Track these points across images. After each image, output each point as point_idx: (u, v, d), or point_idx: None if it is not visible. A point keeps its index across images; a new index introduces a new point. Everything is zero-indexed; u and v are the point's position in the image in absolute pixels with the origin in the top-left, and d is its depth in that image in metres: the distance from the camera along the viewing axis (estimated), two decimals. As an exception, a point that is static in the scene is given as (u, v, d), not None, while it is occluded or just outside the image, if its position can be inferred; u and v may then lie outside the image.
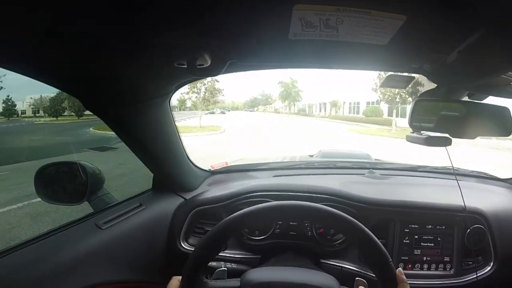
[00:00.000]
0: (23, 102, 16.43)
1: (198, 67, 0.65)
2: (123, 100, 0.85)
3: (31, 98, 16.58)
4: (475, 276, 1.07)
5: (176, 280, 0.71)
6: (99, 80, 0.75)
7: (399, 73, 0.88)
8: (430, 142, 0.85)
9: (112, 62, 0.68)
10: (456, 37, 0.59)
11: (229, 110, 38.73)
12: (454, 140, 0.86)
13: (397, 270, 0.68)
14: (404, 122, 14.45)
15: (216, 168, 1.57)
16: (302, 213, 0.78)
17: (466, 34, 0.57)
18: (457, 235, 1.10)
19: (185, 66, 0.66)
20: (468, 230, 1.09)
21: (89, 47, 0.60)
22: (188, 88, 16.40)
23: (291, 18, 0.52)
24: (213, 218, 1.21)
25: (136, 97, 0.86)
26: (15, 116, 15.59)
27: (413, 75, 0.89)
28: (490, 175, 1.51)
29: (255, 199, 1.19)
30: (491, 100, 0.86)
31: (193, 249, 0.73)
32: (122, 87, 0.80)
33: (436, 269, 1.09)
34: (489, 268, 1.08)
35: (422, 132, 0.87)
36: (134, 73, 0.76)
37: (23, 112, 16.53)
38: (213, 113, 27.81)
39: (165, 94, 0.95)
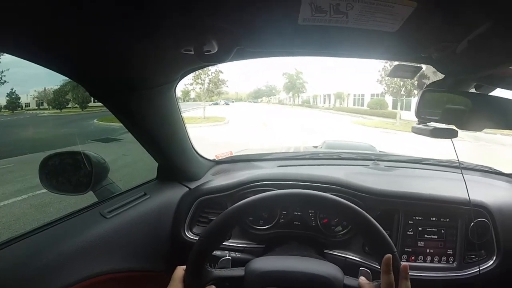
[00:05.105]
0: (27, 95, 16.48)
1: (205, 53, 0.65)
2: (128, 86, 0.84)
3: (35, 90, 16.62)
4: (478, 269, 1.06)
5: (180, 270, 0.72)
6: (103, 65, 0.75)
7: (406, 63, 0.87)
8: (436, 133, 0.84)
9: (118, 47, 0.67)
10: (466, 26, 0.58)
11: (233, 101, 38.71)
12: (458, 134, 0.85)
13: (403, 264, 0.67)
14: (408, 115, 14.47)
15: (220, 157, 1.58)
16: (307, 201, 0.78)
17: (476, 23, 0.56)
18: (461, 228, 1.10)
19: (192, 52, 0.65)
20: (472, 223, 1.08)
21: (94, 31, 0.59)
22: (192, 79, 16.37)
23: (300, 2, 0.51)
24: (217, 208, 1.22)
25: (142, 84, 0.86)
26: (19, 109, 15.64)
27: (420, 65, 0.88)
28: (495, 169, 1.51)
29: (260, 189, 1.19)
30: (498, 92, 0.85)
31: (197, 238, 0.74)
32: (127, 73, 0.80)
33: (439, 261, 1.09)
34: (491, 262, 1.08)
35: (428, 123, 0.86)
36: (140, 59, 0.75)
37: (27, 104, 16.57)
38: (217, 104, 27.82)
39: (171, 82, 0.95)
